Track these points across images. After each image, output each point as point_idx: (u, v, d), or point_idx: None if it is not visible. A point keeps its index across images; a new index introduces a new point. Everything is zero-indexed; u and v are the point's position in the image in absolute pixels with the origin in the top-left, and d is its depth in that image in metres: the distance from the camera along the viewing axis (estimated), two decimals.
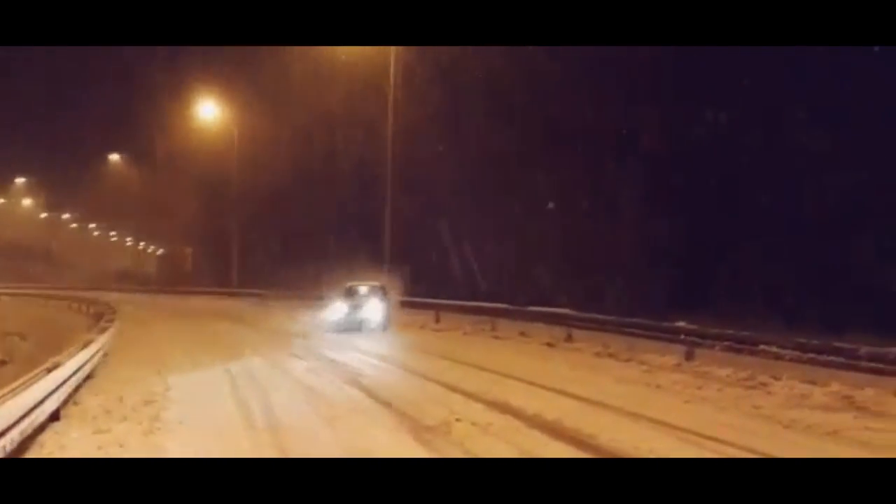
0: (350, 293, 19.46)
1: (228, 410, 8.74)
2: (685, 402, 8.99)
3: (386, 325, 18.58)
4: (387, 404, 8.98)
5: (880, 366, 9.04)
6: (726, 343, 11.37)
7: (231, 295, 35.12)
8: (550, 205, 21.99)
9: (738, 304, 14.58)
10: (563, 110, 20.84)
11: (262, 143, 35.67)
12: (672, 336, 12.41)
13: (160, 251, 71.08)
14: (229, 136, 37.13)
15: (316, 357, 13.79)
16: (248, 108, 36.18)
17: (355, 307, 18.67)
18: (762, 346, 10.73)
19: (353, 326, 18.18)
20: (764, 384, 9.76)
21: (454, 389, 9.84)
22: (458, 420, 7.91)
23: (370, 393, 9.81)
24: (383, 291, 19.75)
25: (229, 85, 36.22)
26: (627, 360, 12.19)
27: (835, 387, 9.09)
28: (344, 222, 31.73)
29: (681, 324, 12.30)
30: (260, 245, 38.65)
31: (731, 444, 6.76)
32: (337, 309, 18.92)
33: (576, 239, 20.88)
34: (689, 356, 11.82)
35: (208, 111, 37.55)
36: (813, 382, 9.39)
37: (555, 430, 7.43)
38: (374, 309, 18.65)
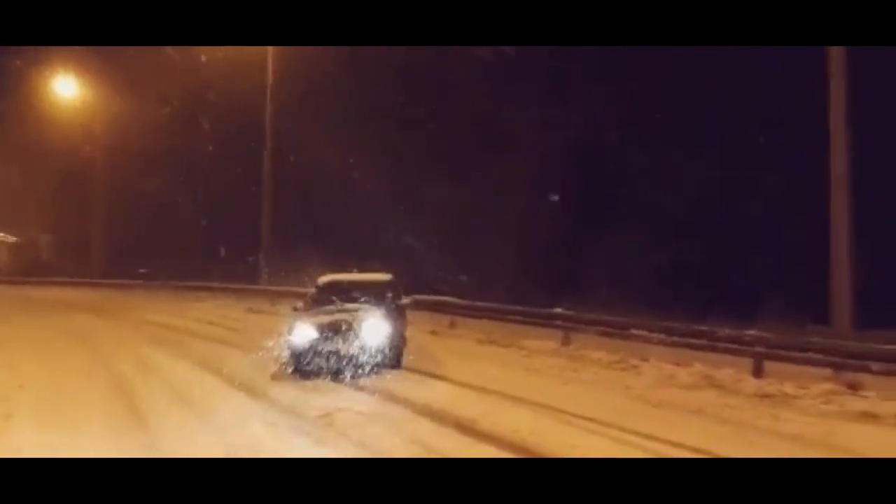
0: (326, 296, 10.99)
1: (88, 403, 8.21)
2: (563, 385, 9.31)
3: (397, 360, 10.22)
4: (263, 394, 8.72)
5: (737, 346, 9.76)
6: (600, 328, 11.91)
7: (92, 285, 33.20)
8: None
9: (613, 292, 15.25)
10: (456, 104, 20.95)
11: (130, 124, 33.57)
12: (550, 322, 12.86)
13: (12, 239, 65.75)
14: (90, 115, 34.70)
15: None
16: (110, 84, 33.93)
17: (334, 327, 9.89)
18: (632, 331, 11.32)
19: (332, 360, 9.74)
20: (635, 366, 10.28)
21: (338, 380, 9.68)
22: (340, 410, 7.80)
23: (244, 386, 9.48)
24: (393, 293, 11.44)
25: (87, 61, 33.80)
26: (508, 346, 12.48)
27: (697, 367, 9.70)
28: (222, 208, 30.47)
29: (558, 310, 12.75)
30: (130, 231, 36.45)
31: (606, 424, 7.07)
32: (300, 330, 9.95)
33: (461, 228, 21.09)
34: (565, 341, 12.26)
35: (65, 88, 34.92)
36: (678, 364, 9.99)
37: (439, 417, 7.48)
38: (371, 329, 9.92)
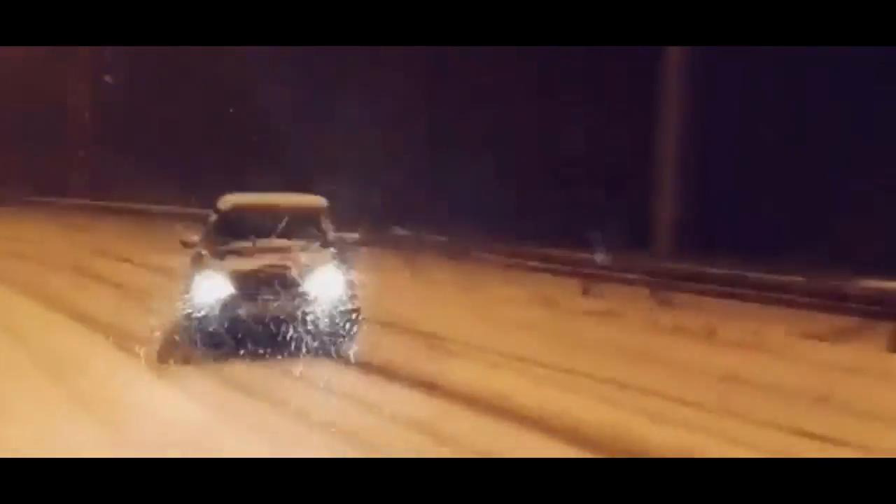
0: (234, 229, 7.46)
1: None
2: (417, 302, 9.51)
3: (354, 324, 6.94)
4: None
5: (569, 269, 10.53)
6: (449, 251, 12.40)
7: None
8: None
9: (463, 220, 15.41)
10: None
11: None
12: (399, 246, 13.17)
13: None
14: None
15: None
16: None
17: (262, 279, 6.79)
18: (473, 253, 11.91)
19: (257, 329, 6.61)
20: (479, 287, 10.72)
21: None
22: None
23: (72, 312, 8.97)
24: (328, 220, 7.92)
25: None
26: (365, 271, 12.61)
27: (533, 287, 10.29)
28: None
29: (401, 232, 13.14)
30: None
31: (448, 339, 7.57)
32: (207, 283, 6.74)
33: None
34: (411, 264, 12.57)
35: None
36: (515, 284, 10.57)
37: None
38: (321, 280, 6.89)
